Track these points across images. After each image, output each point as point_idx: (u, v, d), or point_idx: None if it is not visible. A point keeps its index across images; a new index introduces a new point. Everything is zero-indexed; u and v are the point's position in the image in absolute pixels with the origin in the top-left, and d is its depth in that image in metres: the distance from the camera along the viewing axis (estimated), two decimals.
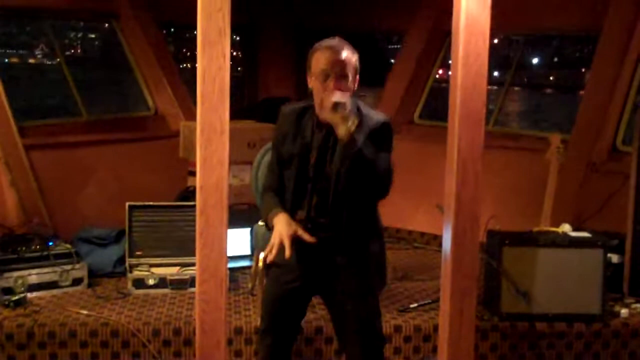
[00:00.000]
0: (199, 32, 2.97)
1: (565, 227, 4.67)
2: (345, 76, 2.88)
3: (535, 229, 4.65)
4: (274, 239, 2.88)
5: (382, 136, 2.95)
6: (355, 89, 2.97)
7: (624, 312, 4.56)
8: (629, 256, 4.84)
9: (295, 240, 2.90)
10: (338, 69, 2.87)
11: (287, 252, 2.82)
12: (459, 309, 3.44)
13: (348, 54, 2.92)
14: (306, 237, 2.86)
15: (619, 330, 4.45)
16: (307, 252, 2.99)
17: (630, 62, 5.68)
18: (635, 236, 4.84)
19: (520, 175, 6.05)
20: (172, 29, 8.56)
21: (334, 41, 2.94)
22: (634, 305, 4.65)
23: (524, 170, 5.97)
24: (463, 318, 3.46)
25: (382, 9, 7.26)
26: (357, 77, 2.99)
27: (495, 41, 8.61)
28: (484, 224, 4.57)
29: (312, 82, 2.95)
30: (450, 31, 3.34)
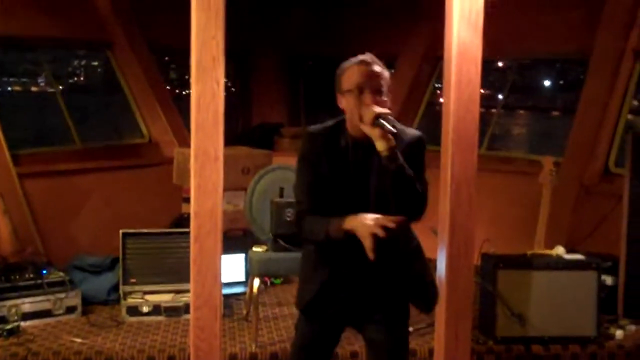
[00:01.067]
0: (192, 60, 2.99)
1: (559, 250, 4.68)
2: (380, 91, 2.79)
3: (530, 251, 4.66)
4: (365, 232, 2.65)
5: (418, 151, 2.89)
6: (389, 105, 2.85)
7: (618, 333, 4.56)
8: (622, 278, 4.85)
9: (334, 272, 2.88)
10: (373, 83, 2.78)
11: (370, 254, 2.64)
12: (454, 332, 3.44)
13: (381, 68, 2.84)
14: (388, 224, 2.66)
15: (614, 352, 4.44)
16: (345, 284, 2.91)
17: (620, 85, 5.74)
18: (629, 258, 4.85)
19: (513, 198, 6.07)
20: (173, 55, 8.57)
21: (366, 56, 2.86)
22: (628, 327, 4.65)
23: (518, 193, 6.00)
24: (458, 342, 3.46)
25: (374, 35, 7.31)
26: (390, 95, 2.88)
27: (500, 64, 8.65)
28: (478, 247, 4.57)
29: (345, 100, 2.82)
30: (442, 56, 3.38)
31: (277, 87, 8.48)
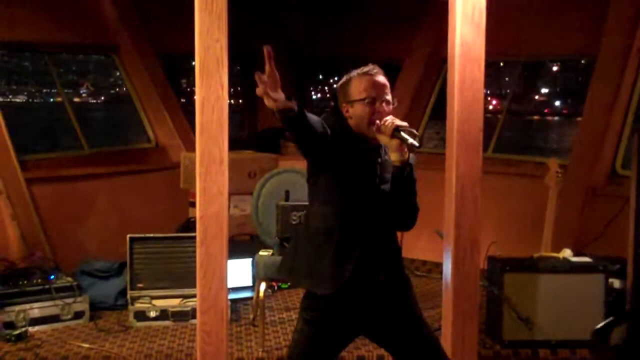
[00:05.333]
0: (197, 63, 3.01)
1: (566, 253, 4.66)
2: (388, 101, 2.88)
3: (536, 254, 4.64)
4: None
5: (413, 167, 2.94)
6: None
7: None
8: (630, 281, 4.82)
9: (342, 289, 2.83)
10: (382, 93, 2.87)
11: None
12: (461, 336, 3.43)
13: (385, 79, 2.92)
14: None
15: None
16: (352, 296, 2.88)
17: (626, 86, 5.71)
18: (637, 260, 4.81)
19: (520, 201, 6.05)
20: (180, 59, 8.58)
21: (371, 66, 2.92)
22: None
23: (525, 196, 5.97)
24: (465, 346, 3.45)
25: (380, 37, 7.31)
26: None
27: (555, 68, 8.60)
28: (484, 250, 4.56)
29: (353, 109, 2.87)
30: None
31: (283, 90, 8.46)
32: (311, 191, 2.94)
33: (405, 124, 2.79)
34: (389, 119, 2.80)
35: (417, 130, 2.86)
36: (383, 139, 2.82)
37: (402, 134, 2.75)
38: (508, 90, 8.68)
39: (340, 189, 2.84)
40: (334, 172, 2.84)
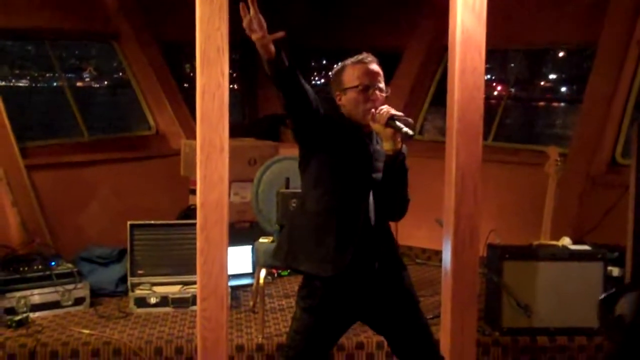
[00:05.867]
0: (197, 51, 3.01)
1: (565, 241, 4.68)
2: (381, 88, 2.89)
3: (536, 242, 4.66)
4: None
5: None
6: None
7: None
8: (629, 269, 4.83)
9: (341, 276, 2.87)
10: (375, 81, 2.88)
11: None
12: (460, 323, 3.46)
13: (378, 67, 2.93)
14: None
15: None
16: (352, 281, 2.92)
17: (626, 76, 5.71)
18: (636, 249, 4.83)
19: (520, 189, 6.06)
20: (181, 47, 8.57)
21: (364, 55, 2.94)
22: None
23: (525, 184, 5.99)
24: (464, 333, 3.48)
25: (380, 27, 7.29)
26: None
27: (561, 54, 8.60)
28: (484, 238, 4.58)
29: (346, 97, 2.90)
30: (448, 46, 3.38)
31: None
32: (303, 177, 2.96)
33: (400, 113, 2.81)
34: (385, 108, 2.82)
35: (412, 120, 2.88)
36: (377, 128, 2.84)
37: (397, 122, 2.77)
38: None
39: (331, 174, 2.87)
40: (326, 157, 2.86)
